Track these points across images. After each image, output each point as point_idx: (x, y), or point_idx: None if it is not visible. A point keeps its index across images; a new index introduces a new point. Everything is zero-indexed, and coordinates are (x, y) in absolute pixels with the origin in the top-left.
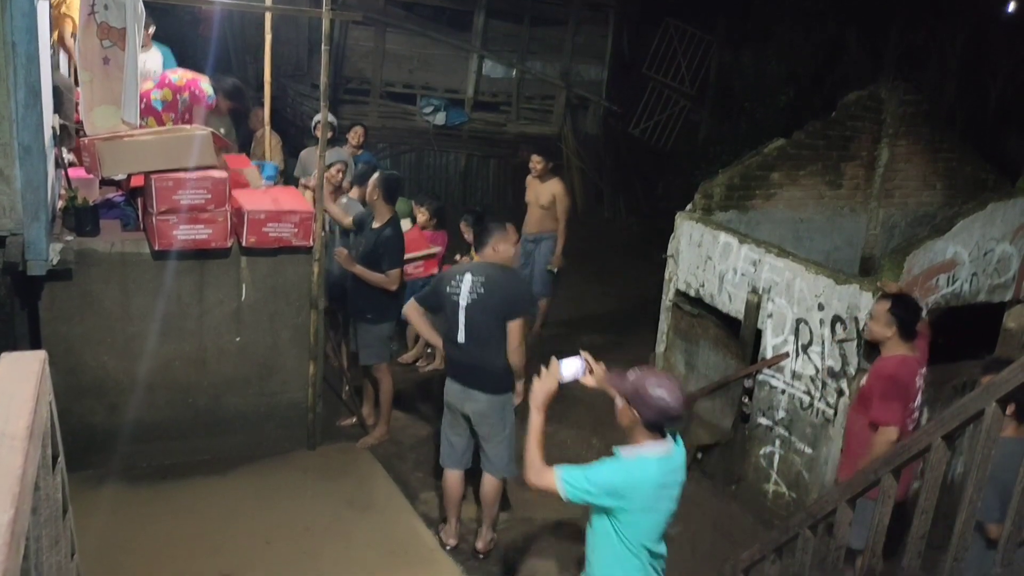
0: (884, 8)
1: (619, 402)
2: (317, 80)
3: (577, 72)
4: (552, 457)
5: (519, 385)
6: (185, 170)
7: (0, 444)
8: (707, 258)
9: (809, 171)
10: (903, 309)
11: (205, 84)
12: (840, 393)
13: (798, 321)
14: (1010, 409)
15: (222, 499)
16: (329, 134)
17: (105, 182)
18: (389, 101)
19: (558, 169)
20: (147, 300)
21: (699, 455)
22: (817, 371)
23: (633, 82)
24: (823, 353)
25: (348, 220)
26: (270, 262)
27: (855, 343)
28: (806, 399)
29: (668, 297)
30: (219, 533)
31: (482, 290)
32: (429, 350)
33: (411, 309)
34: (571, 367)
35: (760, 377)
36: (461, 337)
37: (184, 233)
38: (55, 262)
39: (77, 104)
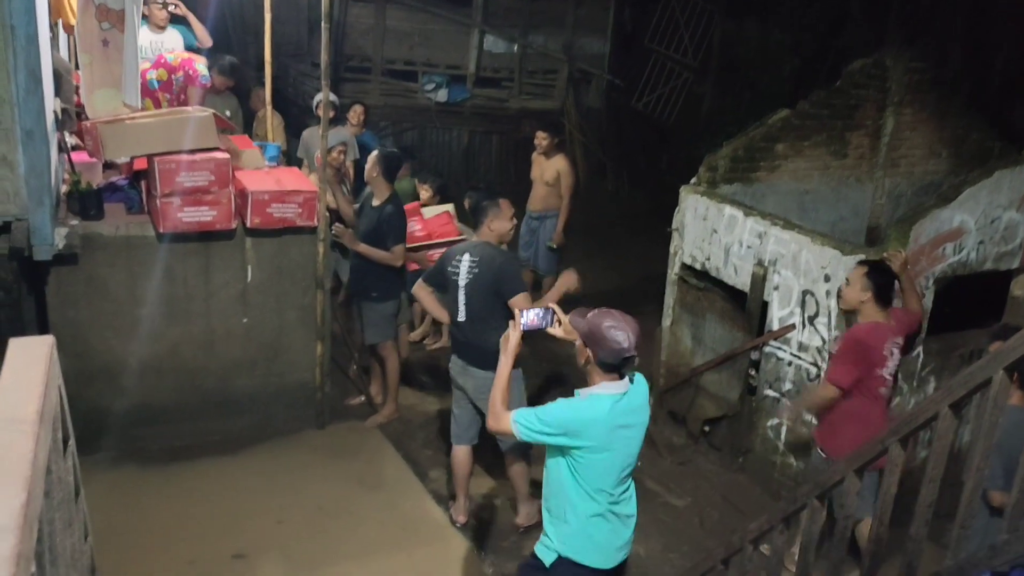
0: None
1: (577, 343)
2: (318, 59)
3: (579, 46)
4: None
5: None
6: (188, 152)
7: (11, 429)
8: (712, 231)
9: (814, 141)
10: (879, 275)
11: (200, 64)
12: None
13: (804, 293)
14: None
15: (233, 480)
16: (331, 113)
17: (108, 165)
18: (390, 79)
19: (562, 145)
20: (153, 283)
21: (706, 428)
22: (824, 342)
23: (635, 55)
24: (830, 324)
25: (351, 210)
26: (275, 243)
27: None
28: (813, 370)
29: (673, 271)
30: (231, 514)
31: (477, 270)
32: (436, 328)
33: (420, 288)
34: (534, 316)
35: (767, 349)
36: (461, 316)
37: (188, 215)
38: (61, 247)
39: (77, 87)
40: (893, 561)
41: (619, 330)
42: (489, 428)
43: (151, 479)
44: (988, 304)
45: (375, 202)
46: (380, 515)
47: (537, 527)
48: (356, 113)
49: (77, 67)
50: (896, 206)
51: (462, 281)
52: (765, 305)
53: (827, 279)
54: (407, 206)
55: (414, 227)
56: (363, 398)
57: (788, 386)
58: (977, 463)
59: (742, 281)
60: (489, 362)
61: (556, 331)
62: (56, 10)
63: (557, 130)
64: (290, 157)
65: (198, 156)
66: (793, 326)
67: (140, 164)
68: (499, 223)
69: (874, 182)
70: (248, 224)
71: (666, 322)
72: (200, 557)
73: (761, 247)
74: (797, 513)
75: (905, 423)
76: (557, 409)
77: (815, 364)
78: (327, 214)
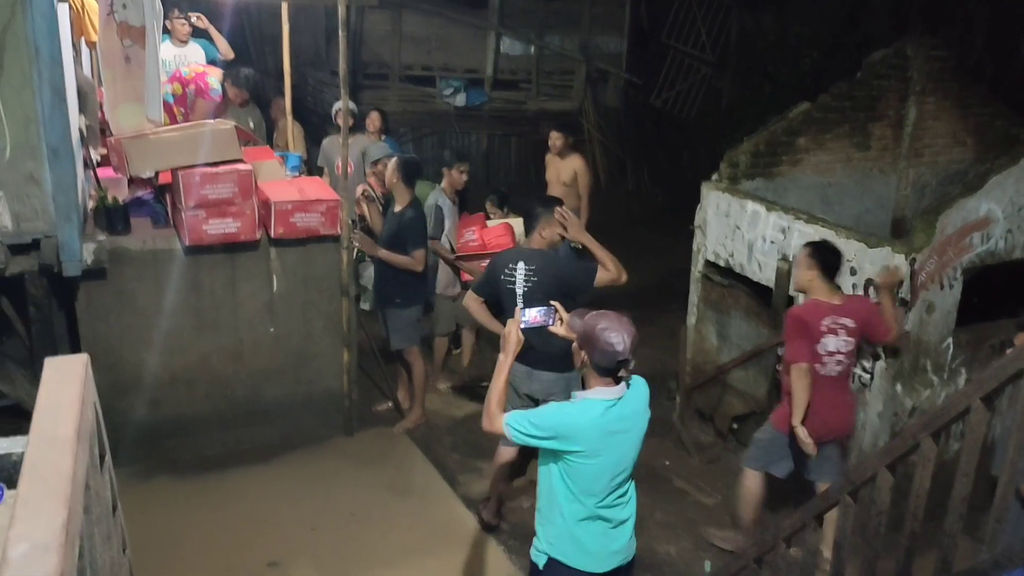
0: None
1: (574, 345)
2: (336, 67)
3: (596, 45)
4: None
5: None
6: (212, 165)
7: (51, 448)
8: (735, 227)
9: (836, 134)
10: (821, 253)
11: (211, 78)
12: (876, 357)
13: None
14: None
15: (265, 488)
16: (350, 121)
17: (133, 180)
18: (409, 84)
19: (579, 144)
20: (181, 295)
21: (734, 425)
22: None
23: (653, 52)
24: None
25: (380, 223)
26: (299, 252)
27: None
28: None
29: (697, 268)
30: (264, 522)
31: (536, 277)
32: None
33: (471, 300)
34: (534, 314)
35: None
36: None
37: (213, 227)
38: (89, 262)
39: (101, 104)
40: (928, 555)
41: (614, 332)
42: (484, 429)
43: (185, 489)
44: (1018, 293)
45: (396, 207)
46: (411, 520)
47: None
48: (372, 120)
49: (101, 84)
50: (921, 196)
51: (519, 289)
52: (790, 300)
53: (853, 272)
54: (472, 216)
55: (470, 237)
56: (390, 404)
57: None
58: (1011, 456)
59: (767, 277)
60: (556, 364)
61: (559, 329)
62: (78, 28)
63: (570, 130)
64: (311, 166)
65: (221, 168)
66: None
67: (165, 178)
68: (550, 230)
69: (898, 173)
70: (272, 234)
71: (691, 320)
72: (235, 565)
73: (785, 242)
74: (830, 510)
75: (936, 416)
76: (548, 413)
77: None
78: (350, 222)
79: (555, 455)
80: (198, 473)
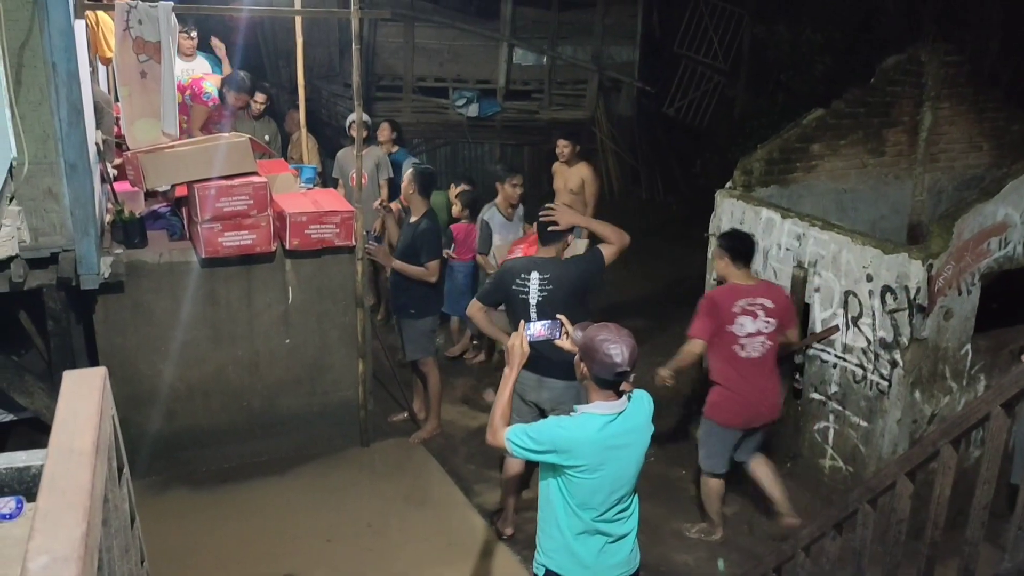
0: None
1: (575, 357)
2: (350, 80)
3: (608, 54)
4: None
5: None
6: (227, 178)
7: (69, 460)
8: None
9: (850, 140)
10: (728, 239)
11: (207, 83)
12: (894, 364)
13: (846, 293)
14: None
15: (282, 499)
16: (364, 133)
17: (150, 194)
18: (422, 96)
19: (592, 153)
20: (197, 307)
21: None
22: (869, 343)
23: (665, 61)
24: (874, 324)
25: (398, 234)
26: (314, 263)
27: (907, 312)
28: (859, 372)
29: (712, 276)
30: (281, 533)
31: (551, 286)
32: (475, 342)
33: (475, 309)
34: (539, 328)
35: (810, 352)
36: None
37: (229, 240)
38: (106, 275)
39: (118, 118)
40: (949, 564)
41: (613, 344)
42: (488, 442)
43: (201, 501)
44: None
45: (411, 218)
46: (428, 531)
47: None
48: (383, 131)
49: (117, 99)
50: (937, 202)
51: (533, 300)
52: (807, 307)
53: (869, 279)
54: (526, 236)
55: (517, 255)
56: (406, 414)
57: (834, 388)
58: None
59: (782, 284)
60: (566, 372)
61: (564, 343)
62: (94, 44)
63: (579, 138)
64: (325, 178)
65: (236, 181)
66: (836, 328)
67: (181, 191)
68: (562, 244)
69: (914, 178)
70: (287, 246)
71: None
72: None
73: (800, 249)
74: (849, 519)
75: (956, 424)
76: (546, 427)
77: (861, 366)
78: (364, 233)
79: (554, 468)
80: (215, 485)
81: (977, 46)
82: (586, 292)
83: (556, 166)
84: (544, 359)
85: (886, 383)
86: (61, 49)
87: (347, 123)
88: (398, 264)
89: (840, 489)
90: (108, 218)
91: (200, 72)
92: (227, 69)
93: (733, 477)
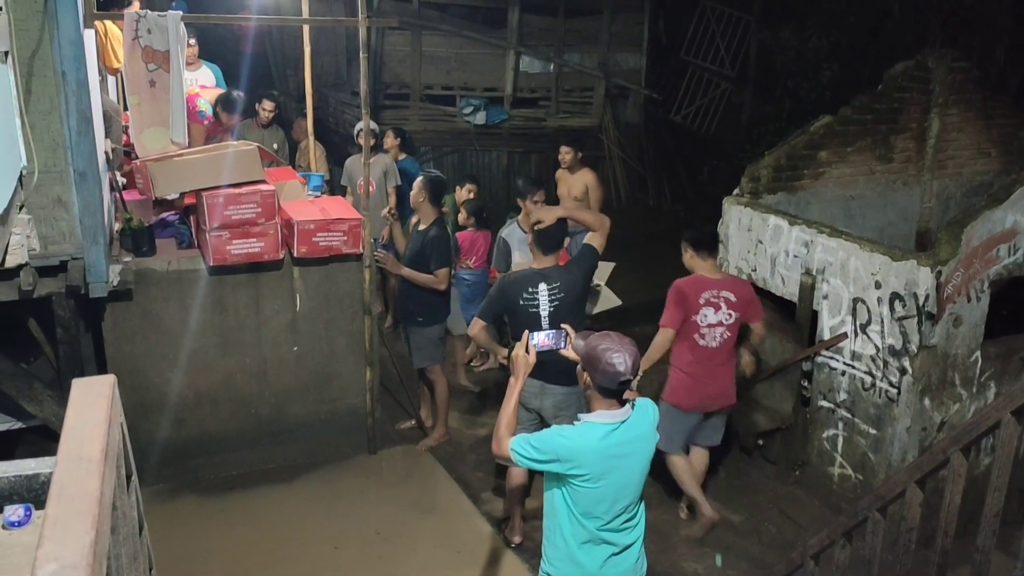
0: None
1: (578, 367)
2: (357, 88)
3: (615, 62)
4: None
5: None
6: (235, 186)
7: (78, 468)
8: (757, 242)
9: (858, 147)
10: (691, 231)
11: (201, 100)
12: (903, 371)
13: (855, 300)
14: None
15: (290, 507)
16: (372, 141)
17: (158, 202)
18: (429, 104)
19: (598, 160)
20: (206, 315)
21: (760, 441)
22: (878, 350)
23: (672, 68)
24: (883, 332)
25: (404, 243)
26: (322, 271)
27: (915, 319)
28: (868, 379)
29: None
30: (289, 541)
31: (561, 294)
32: (482, 349)
33: (478, 328)
34: (543, 338)
35: (819, 359)
36: None
37: (237, 248)
38: (115, 283)
39: (126, 127)
40: (960, 572)
41: (615, 353)
42: (493, 453)
43: (209, 508)
44: None
45: (421, 226)
46: (436, 539)
47: None
48: (389, 138)
49: (126, 108)
50: (946, 209)
51: (545, 311)
52: (815, 315)
53: (878, 286)
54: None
55: None
56: (413, 422)
57: (843, 396)
58: None
59: (790, 291)
60: (569, 378)
61: (569, 353)
62: (103, 55)
63: (581, 145)
64: (333, 186)
65: (244, 189)
66: (845, 335)
67: (190, 199)
68: (563, 250)
69: (922, 185)
70: (295, 254)
71: None
72: None
73: (808, 256)
74: (859, 527)
75: (966, 431)
76: (549, 436)
77: (869, 373)
78: (372, 240)
79: (559, 477)
80: (223, 492)
81: (985, 52)
82: (587, 292)
83: (559, 173)
84: (546, 366)
85: (895, 390)
86: (71, 58)
87: (355, 131)
88: (408, 272)
89: (849, 497)
90: (117, 226)
91: (203, 82)
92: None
93: (735, 487)
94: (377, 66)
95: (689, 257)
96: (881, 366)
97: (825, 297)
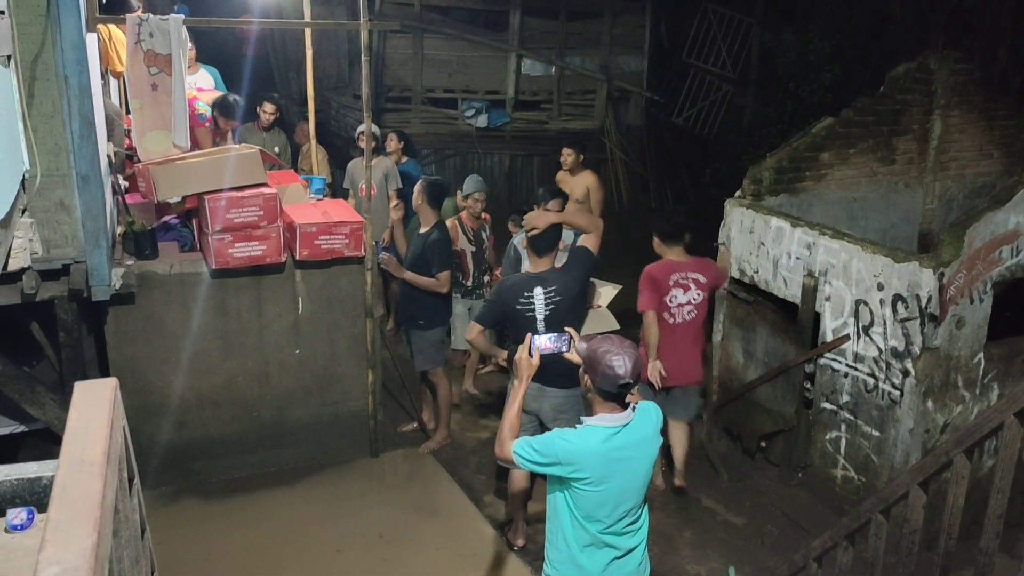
0: None
1: (580, 370)
2: (359, 91)
3: (616, 64)
4: None
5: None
6: (237, 189)
7: (80, 471)
8: (760, 244)
9: (860, 149)
10: (657, 222)
11: (200, 103)
12: (906, 373)
13: (857, 302)
14: None
15: (292, 510)
16: (373, 144)
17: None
18: (431, 107)
19: (600, 162)
20: (208, 318)
21: (763, 443)
22: (880, 352)
23: (674, 70)
24: (885, 333)
25: (405, 246)
26: (324, 274)
27: (918, 321)
28: (870, 381)
29: (723, 285)
30: (291, 544)
31: (557, 297)
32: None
33: (475, 333)
34: (546, 341)
35: (821, 361)
36: None
37: (239, 251)
38: (118, 287)
39: (128, 131)
40: (964, 574)
41: (615, 356)
42: (496, 455)
43: (212, 512)
44: None
45: (421, 229)
46: (438, 542)
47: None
48: (391, 142)
49: (128, 111)
50: (948, 210)
51: (541, 315)
52: (817, 317)
53: (880, 288)
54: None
55: None
56: (415, 425)
57: (846, 398)
58: None
59: (792, 293)
60: (566, 381)
61: (573, 356)
62: (105, 58)
63: (583, 147)
64: (335, 189)
65: (247, 192)
66: (847, 337)
67: (192, 203)
68: (557, 252)
69: (924, 187)
70: (297, 257)
71: (717, 337)
72: None
73: (810, 258)
74: (861, 529)
75: (969, 433)
76: (550, 440)
77: (872, 375)
78: (374, 243)
79: (561, 481)
80: (225, 495)
81: (987, 53)
82: (585, 293)
83: (561, 175)
84: (545, 368)
85: (898, 392)
86: (73, 62)
87: (356, 134)
88: (410, 275)
89: (852, 499)
90: (119, 230)
91: (201, 85)
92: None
93: (738, 490)
94: (379, 69)
95: (657, 244)
96: (884, 368)
97: (827, 299)
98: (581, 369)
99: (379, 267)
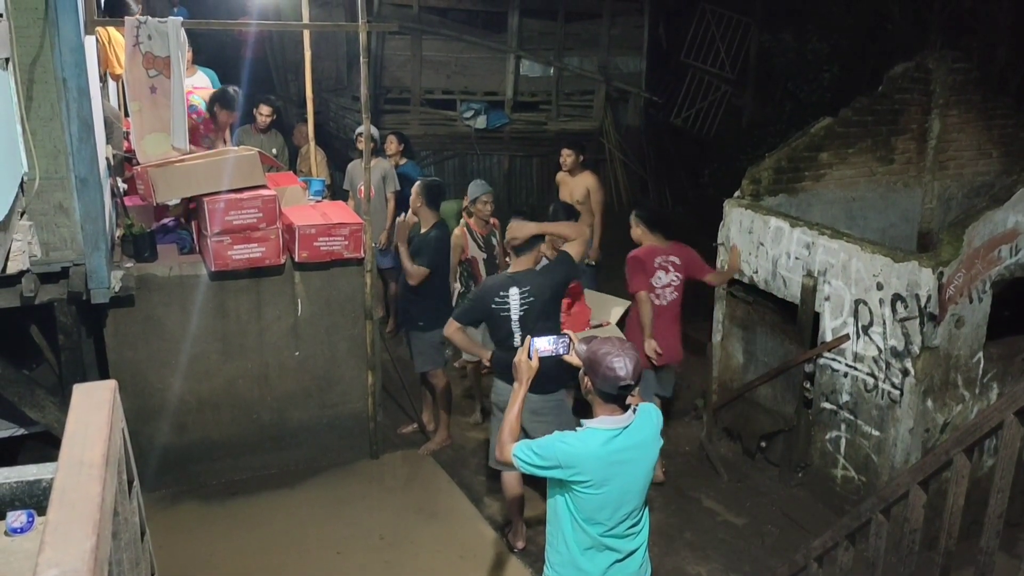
0: None
1: (581, 372)
2: (358, 93)
3: (615, 65)
4: None
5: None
6: (236, 191)
7: (79, 473)
8: (759, 244)
9: (859, 148)
10: (643, 212)
11: (195, 97)
12: (905, 373)
13: (857, 302)
14: None
15: (292, 512)
16: (372, 145)
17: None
18: (429, 108)
19: (599, 163)
20: (208, 321)
21: (763, 444)
22: (880, 352)
23: (672, 71)
24: (885, 333)
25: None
26: (323, 276)
27: (917, 321)
28: (870, 381)
29: (722, 286)
30: (291, 546)
31: (531, 298)
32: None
33: (452, 329)
34: (545, 344)
35: (821, 361)
36: (518, 342)
37: (238, 253)
38: (117, 289)
39: (127, 133)
40: (964, 574)
41: (615, 357)
42: (497, 458)
43: (212, 514)
44: None
45: (422, 229)
46: (439, 543)
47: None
48: (391, 143)
49: (126, 114)
50: (947, 209)
51: (515, 315)
52: (816, 316)
53: (879, 287)
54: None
55: None
56: (415, 426)
57: (845, 398)
58: None
59: (792, 293)
60: (543, 385)
61: (572, 359)
62: (104, 60)
63: (582, 148)
64: (334, 191)
65: (245, 194)
66: (847, 336)
67: (191, 205)
68: (537, 252)
69: (923, 186)
70: (296, 258)
71: (716, 337)
72: None
73: (809, 258)
74: (862, 529)
75: (969, 432)
76: (549, 442)
77: (872, 374)
78: (373, 245)
79: (561, 483)
80: (225, 498)
81: (985, 53)
82: (562, 297)
83: (560, 176)
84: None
85: (898, 392)
86: (72, 65)
87: (355, 135)
88: (404, 251)
89: (852, 499)
90: (118, 232)
91: (199, 86)
92: None
93: (738, 490)
94: (377, 71)
95: (641, 232)
96: (883, 367)
97: (827, 299)
98: (581, 371)
99: (378, 269)
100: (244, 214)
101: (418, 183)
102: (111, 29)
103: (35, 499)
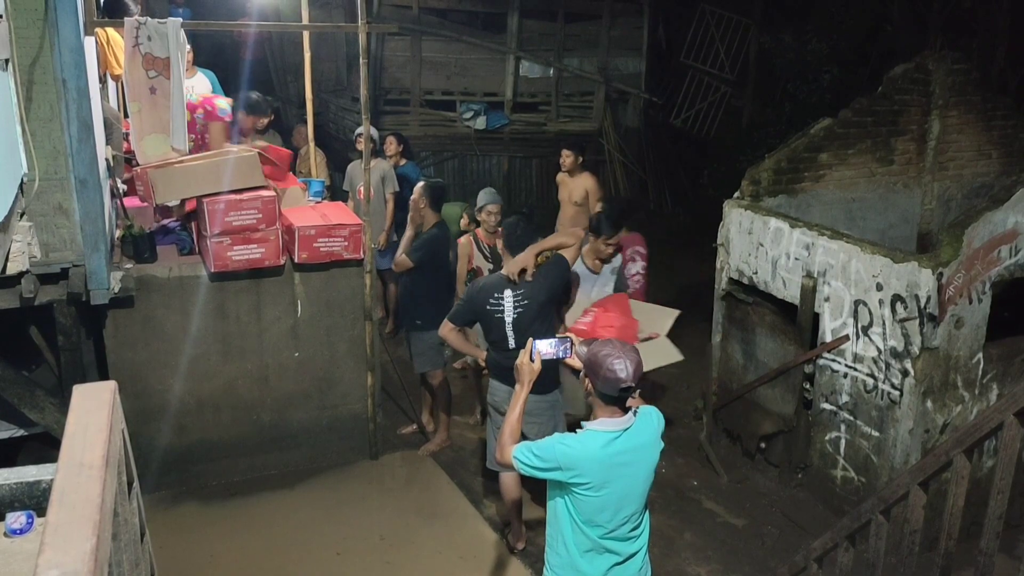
0: None
1: (581, 374)
2: (357, 94)
3: (615, 66)
4: None
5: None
6: (236, 192)
7: (79, 474)
8: (758, 245)
9: (858, 149)
10: (609, 206)
11: (220, 101)
12: (905, 374)
13: (856, 303)
14: None
15: (292, 513)
16: (371, 146)
17: (159, 208)
18: (429, 109)
19: (599, 164)
20: (207, 322)
21: (763, 444)
22: (880, 352)
23: (672, 72)
24: (884, 334)
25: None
26: (323, 277)
27: (917, 321)
28: (870, 381)
29: (721, 286)
30: (291, 547)
31: (525, 301)
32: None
33: (446, 329)
34: (547, 346)
35: (821, 362)
36: (511, 344)
37: (238, 254)
38: (116, 290)
39: (126, 134)
40: (964, 574)
41: (616, 359)
42: (497, 459)
43: (212, 515)
44: None
45: (423, 229)
46: (439, 544)
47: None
48: (390, 144)
49: (126, 115)
50: (947, 210)
51: (509, 318)
52: (816, 317)
53: (879, 288)
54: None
55: (584, 319)
56: (415, 427)
57: (845, 399)
58: None
59: (791, 294)
60: (542, 387)
61: (573, 362)
62: (104, 61)
63: (581, 149)
64: (334, 192)
65: (245, 195)
66: (846, 337)
67: (190, 206)
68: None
69: (922, 187)
70: (296, 259)
71: (716, 338)
72: None
73: (809, 258)
74: (862, 529)
75: (969, 433)
76: (549, 444)
77: (871, 375)
78: (372, 246)
79: (561, 485)
80: (225, 498)
81: (984, 54)
82: (557, 300)
83: (560, 176)
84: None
85: (897, 393)
86: (71, 66)
87: (355, 136)
88: (405, 241)
89: (852, 500)
90: (118, 233)
91: (200, 89)
92: None
93: (738, 491)
94: (377, 71)
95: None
96: (883, 368)
97: (826, 299)
98: (582, 373)
99: (377, 270)
100: (244, 215)
101: (421, 184)
102: (110, 30)
103: (35, 500)
